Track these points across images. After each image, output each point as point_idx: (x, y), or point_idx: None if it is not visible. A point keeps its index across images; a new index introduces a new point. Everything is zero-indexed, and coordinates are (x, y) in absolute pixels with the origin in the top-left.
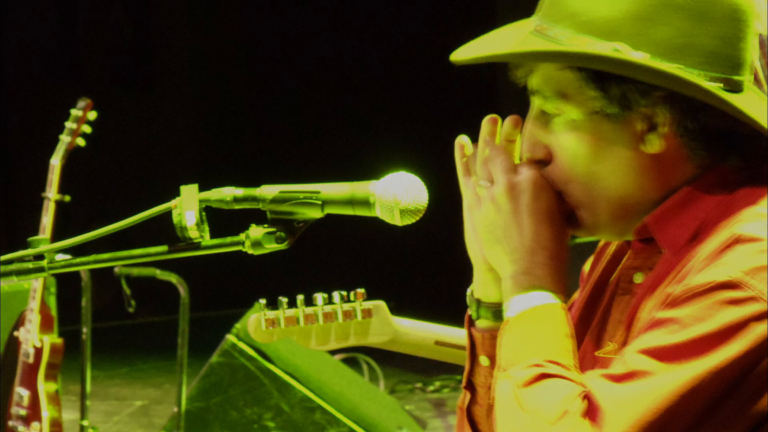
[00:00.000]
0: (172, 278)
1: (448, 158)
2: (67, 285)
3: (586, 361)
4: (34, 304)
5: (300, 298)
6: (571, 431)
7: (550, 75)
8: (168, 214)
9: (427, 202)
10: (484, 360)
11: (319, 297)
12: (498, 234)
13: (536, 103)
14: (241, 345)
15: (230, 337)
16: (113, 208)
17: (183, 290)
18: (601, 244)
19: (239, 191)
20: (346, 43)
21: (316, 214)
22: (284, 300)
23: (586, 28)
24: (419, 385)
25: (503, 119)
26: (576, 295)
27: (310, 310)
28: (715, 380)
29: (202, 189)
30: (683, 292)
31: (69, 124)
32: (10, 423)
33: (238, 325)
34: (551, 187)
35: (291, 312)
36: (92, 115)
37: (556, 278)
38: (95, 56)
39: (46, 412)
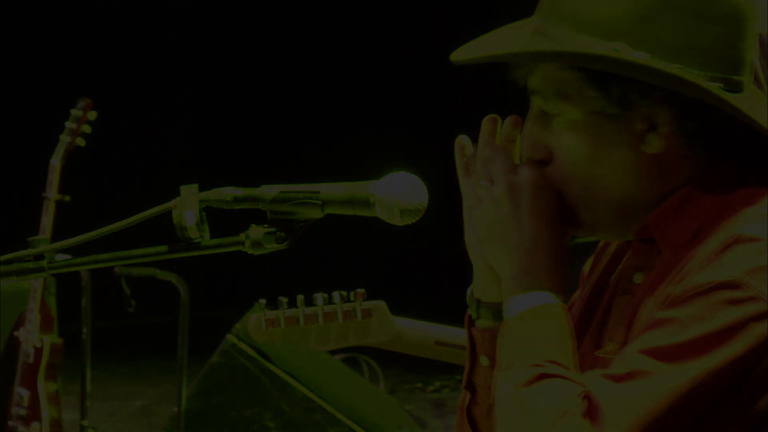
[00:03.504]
0: (172, 278)
1: (448, 158)
2: (67, 285)
3: (586, 361)
4: (34, 304)
5: (300, 298)
6: (571, 431)
7: (550, 75)
8: (168, 214)
9: (427, 202)
10: (484, 360)
11: (319, 297)
12: (498, 234)
13: (536, 103)
14: (241, 345)
15: (230, 337)
16: (113, 208)
17: (183, 290)
18: (601, 244)
19: (239, 191)
20: (347, 43)
21: (316, 214)
22: (284, 300)
23: (586, 28)
24: (419, 385)
25: (503, 119)
26: (576, 295)
27: (310, 310)
28: (715, 380)
29: (202, 189)
30: (683, 292)
31: (69, 124)
32: (10, 423)
33: (238, 325)
34: (551, 187)
35: (291, 312)
36: (92, 115)
37: (556, 278)
38: (95, 56)
39: (46, 412)
